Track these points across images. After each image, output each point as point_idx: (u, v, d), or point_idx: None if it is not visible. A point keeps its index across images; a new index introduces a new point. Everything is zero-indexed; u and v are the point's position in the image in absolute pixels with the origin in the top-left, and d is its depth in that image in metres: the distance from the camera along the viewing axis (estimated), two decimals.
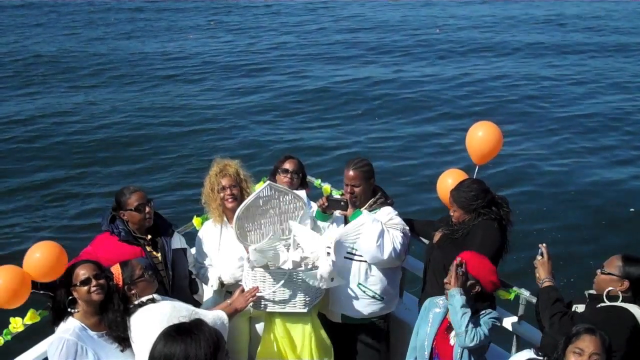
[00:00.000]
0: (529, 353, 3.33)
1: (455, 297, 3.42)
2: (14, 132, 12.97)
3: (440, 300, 3.68)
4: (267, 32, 22.83)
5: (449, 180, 4.42)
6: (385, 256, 4.04)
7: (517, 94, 15.64)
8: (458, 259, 3.51)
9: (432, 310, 3.69)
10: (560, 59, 19.05)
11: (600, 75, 17.24)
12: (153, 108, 14.36)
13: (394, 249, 4.05)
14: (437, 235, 4.05)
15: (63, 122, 13.46)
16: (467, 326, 3.36)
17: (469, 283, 3.50)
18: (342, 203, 4.18)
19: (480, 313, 3.50)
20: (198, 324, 2.47)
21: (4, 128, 13.11)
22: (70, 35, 21.99)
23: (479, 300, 3.55)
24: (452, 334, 3.51)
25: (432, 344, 3.58)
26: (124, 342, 3.50)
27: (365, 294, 4.20)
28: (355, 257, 4.17)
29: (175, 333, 2.45)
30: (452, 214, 4.01)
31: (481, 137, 4.49)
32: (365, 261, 4.15)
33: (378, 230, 4.03)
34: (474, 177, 4.33)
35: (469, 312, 3.38)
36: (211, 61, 18.64)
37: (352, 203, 4.19)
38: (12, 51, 19.51)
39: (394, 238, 4.08)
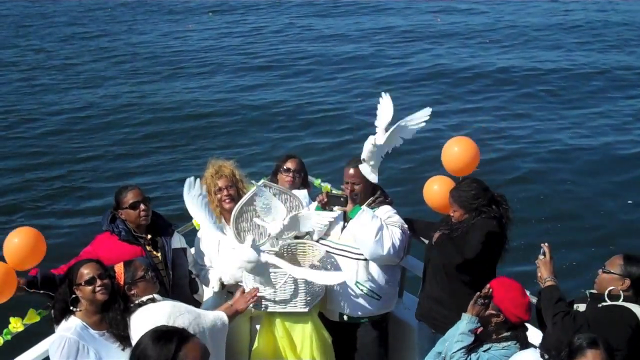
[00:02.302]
0: (533, 353, 3.30)
1: (462, 323, 3.41)
2: (19, 128, 13.03)
3: None
4: (268, 25, 22.78)
5: (434, 187, 4.43)
6: (385, 252, 4.07)
7: (536, 84, 15.44)
8: (487, 287, 3.41)
9: None
10: (575, 47, 18.88)
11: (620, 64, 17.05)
12: (155, 104, 14.33)
13: (393, 244, 4.09)
14: (436, 235, 4.03)
15: (68, 119, 13.50)
16: (455, 352, 3.36)
17: (489, 312, 3.41)
18: (341, 199, 4.22)
19: (493, 344, 3.40)
20: (181, 338, 2.41)
21: (8, 125, 13.18)
22: (72, 26, 22.10)
23: (501, 329, 3.42)
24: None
25: None
26: (124, 340, 3.50)
27: (362, 293, 4.20)
28: (353, 256, 4.19)
29: (158, 332, 2.45)
30: (452, 214, 4.00)
31: (457, 152, 4.39)
32: (364, 259, 4.17)
33: (377, 226, 4.06)
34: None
35: (465, 341, 3.36)
36: (211, 56, 18.57)
37: (352, 199, 4.22)
38: (14, 46, 19.61)
39: (393, 234, 4.12)
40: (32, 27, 22.35)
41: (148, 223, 4.09)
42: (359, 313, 4.25)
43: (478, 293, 3.41)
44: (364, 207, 4.16)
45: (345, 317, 4.28)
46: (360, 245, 4.12)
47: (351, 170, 4.17)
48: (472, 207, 3.90)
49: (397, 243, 4.11)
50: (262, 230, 4.20)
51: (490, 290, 3.39)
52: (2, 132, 12.84)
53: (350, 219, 4.17)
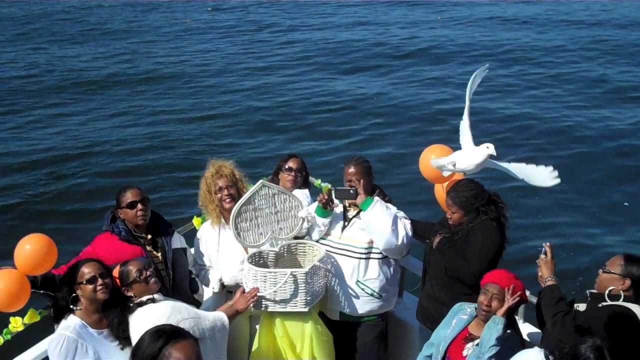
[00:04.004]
0: (537, 353, 3.29)
1: (497, 327, 3.38)
2: (21, 128, 13.05)
3: (469, 308, 3.64)
4: (269, 23, 22.75)
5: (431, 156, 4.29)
6: (399, 241, 4.10)
7: None
8: (512, 286, 3.43)
9: (458, 315, 3.66)
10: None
11: None
12: (157, 104, 14.34)
13: (406, 234, 4.15)
14: (437, 240, 4.01)
15: (69, 118, 13.56)
16: (491, 356, 3.34)
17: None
18: (351, 192, 4.14)
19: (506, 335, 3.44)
20: (170, 338, 2.42)
21: (9, 125, 13.22)
22: (72, 24, 22.17)
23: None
24: (469, 344, 3.50)
25: (447, 348, 3.57)
26: (124, 340, 3.51)
27: (363, 292, 4.21)
28: (354, 255, 4.19)
29: (154, 329, 2.47)
30: (450, 216, 3.98)
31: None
32: (365, 258, 4.18)
33: (392, 216, 4.10)
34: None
35: (499, 345, 3.35)
36: (214, 55, 18.56)
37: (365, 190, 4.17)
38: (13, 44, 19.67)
39: (405, 224, 4.18)
40: (32, 24, 22.40)
41: (146, 223, 4.08)
42: (360, 312, 4.26)
43: (512, 296, 3.42)
44: (376, 197, 4.14)
45: (345, 317, 4.29)
46: (375, 236, 4.12)
47: (352, 169, 4.18)
48: (472, 208, 3.89)
49: (410, 233, 4.19)
50: (262, 230, 4.20)
51: (518, 292, 3.44)
52: (3, 131, 12.88)
53: (362, 210, 4.15)
